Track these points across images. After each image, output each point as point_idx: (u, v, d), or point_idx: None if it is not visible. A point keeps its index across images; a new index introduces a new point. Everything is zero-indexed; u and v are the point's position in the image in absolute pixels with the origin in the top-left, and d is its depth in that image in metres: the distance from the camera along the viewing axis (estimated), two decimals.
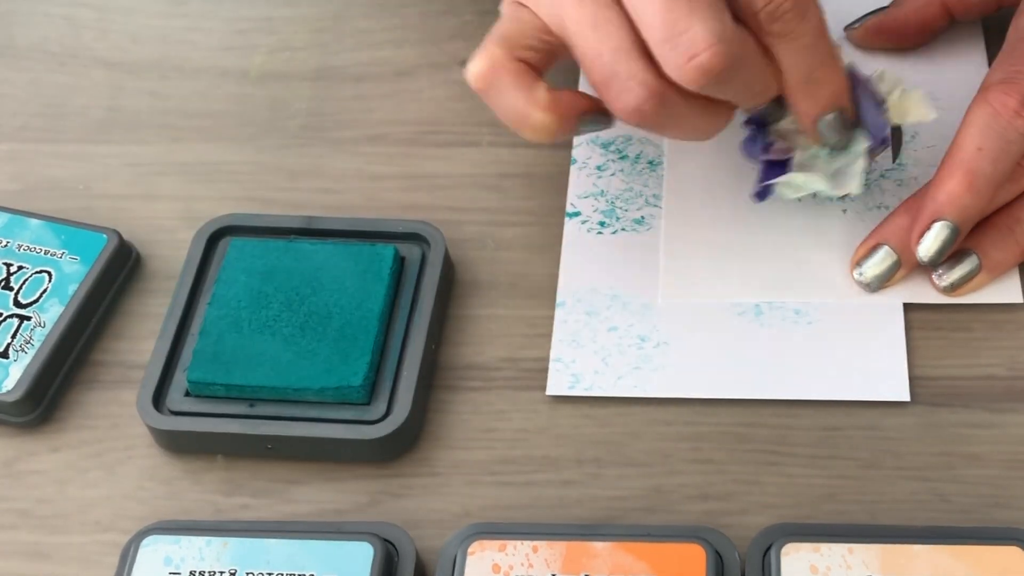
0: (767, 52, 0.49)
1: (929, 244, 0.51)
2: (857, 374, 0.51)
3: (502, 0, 0.52)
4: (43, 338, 0.53)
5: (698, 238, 0.56)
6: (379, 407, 0.51)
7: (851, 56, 0.60)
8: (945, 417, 0.50)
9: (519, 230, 0.57)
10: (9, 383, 0.52)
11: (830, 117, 0.51)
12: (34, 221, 0.57)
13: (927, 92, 0.52)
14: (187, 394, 0.52)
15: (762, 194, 0.53)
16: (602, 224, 0.57)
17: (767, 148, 0.53)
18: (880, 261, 0.53)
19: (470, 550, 0.46)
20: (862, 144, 0.52)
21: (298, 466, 0.51)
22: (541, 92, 0.49)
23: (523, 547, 0.46)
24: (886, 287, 0.53)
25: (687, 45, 0.46)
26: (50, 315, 0.54)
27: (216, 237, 0.56)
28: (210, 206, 0.58)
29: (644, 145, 0.59)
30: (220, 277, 0.54)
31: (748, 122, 0.53)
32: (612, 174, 0.58)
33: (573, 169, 0.59)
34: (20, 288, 0.54)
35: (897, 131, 0.54)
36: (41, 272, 0.55)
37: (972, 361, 0.52)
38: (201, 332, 0.52)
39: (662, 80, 0.47)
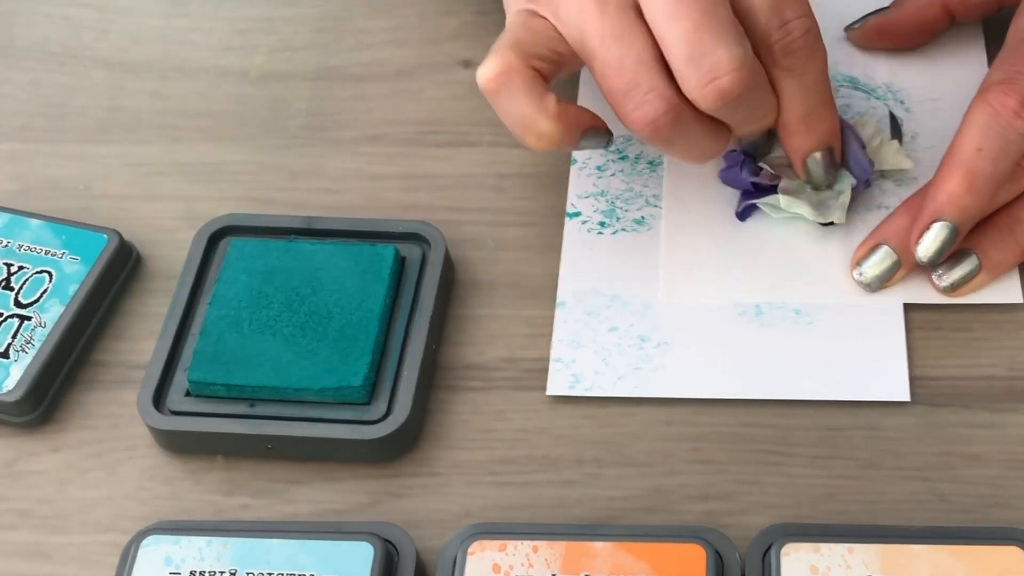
0: (770, 85, 0.51)
1: (928, 244, 0.51)
2: (857, 374, 0.51)
3: (507, 5, 0.52)
4: (44, 338, 0.53)
5: (698, 238, 0.56)
6: (379, 407, 0.51)
7: (852, 56, 0.61)
8: (945, 417, 0.50)
9: (519, 230, 0.57)
10: (10, 383, 0.52)
11: (819, 155, 0.53)
12: (34, 221, 0.57)
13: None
14: (187, 394, 0.52)
15: (744, 213, 0.56)
16: (602, 224, 0.57)
17: (755, 174, 0.55)
18: (880, 261, 0.53)
19: (470, 550, 0.46)
20: (847, 183, 0.54)
21: (298, 466, 0.51)
22: (551, 102, 0.50)
23: (523, 547, 0.46)
24: (886, 287, 0.53)
25: (710, 67, 0.48)
26: (50, 315, 0.54)
27: (216, 237, 0.56)
28: (210, 206, 0.58)
29: (644, 145, 0.59)
30: (220, 277, 0.54)
31: (733, 153, 0.55)
32: (612, 174, 0.58)
33: (573, 169, 0.59)
34: (21, 288, 0.54)
35: (897, 128, 0.54)
36: (41, 272, 0.55)
37: (972, 361, 0.52)
38: (201, 332, 0.52)
39: (679, 96, 0.49)
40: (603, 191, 0.58)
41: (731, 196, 0.56)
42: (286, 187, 0.60)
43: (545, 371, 0.52)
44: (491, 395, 0.52)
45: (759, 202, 0.55)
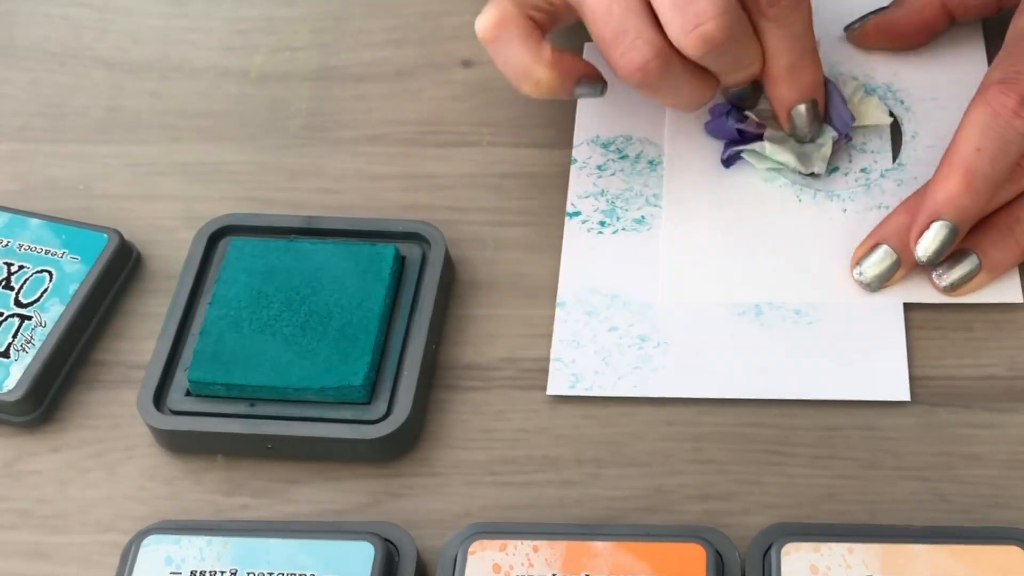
0: (756, 35, 0.53)
1: (928, 244, 0.51)
2: (857, 374, 0.51)
3: None
4: (44, 338, 0.53)
5: (698, 238, 0.56)
6: (379, 407, 0.51)
7: (852, 56, 0.61)
8: (945, 417, 0.50)
9: (519, 230, 0.57)
10: (10, 383, 0.52)
11: (803, 107, 0.55)
12: (34, 221, 0.57)
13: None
14: (188, 394, 0.52)
15: (730, 160, 0.57)
16: (602, 224, 0.57)
17: (741, 121, 0.57)
18: (880, 261, 0.53)
19: (471, 550, 0.46)
20: (828, 136, 0.56)
21: (298, 466, 0.51)
22: (546, 50, 0.53)
23: (523, 547, 0.46)
24: (886, 287, 0.53)
25: (694, 13, 0.49)
26: (51, 315, 0.54)
27: (216, 237, 0.56)
28: (210, 206, 0.58)
29: (644, 145, 0.59)
30: (220, 277, 0.54)
31: (720, 105, 0.57)
32: (612, 174, 0.58)
33: (573, 169, 0.59)
34: (21, 288, 0.54)
35: (896, 131, 0.54)
36: (42, 272, 0.55)
37: (972, 361, 0.52)
38: (202, 332, 0.52)
39: (667, 43, 0.51)
40: (603, 191, 0.58)
41: (731, 196, 0.56)
42: (286, 187, 0.60)
43: (545, 371, 0.52)
44: (491, 395, 0.53)
45: (744, 149, 0.57)
